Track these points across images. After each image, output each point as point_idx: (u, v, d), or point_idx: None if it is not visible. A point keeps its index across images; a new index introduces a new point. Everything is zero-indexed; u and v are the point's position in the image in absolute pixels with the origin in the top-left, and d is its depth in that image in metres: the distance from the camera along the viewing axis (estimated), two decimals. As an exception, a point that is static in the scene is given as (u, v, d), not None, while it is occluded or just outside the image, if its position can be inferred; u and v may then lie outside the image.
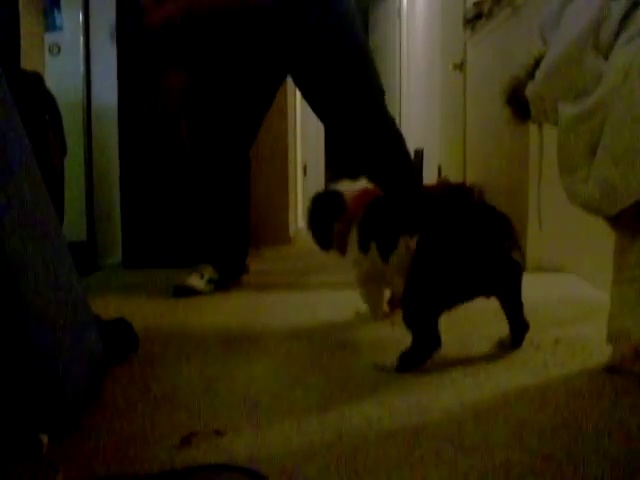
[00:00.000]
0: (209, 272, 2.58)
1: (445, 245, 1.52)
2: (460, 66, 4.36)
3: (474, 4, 3.89)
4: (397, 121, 7.59)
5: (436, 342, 1.52)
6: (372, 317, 1.97)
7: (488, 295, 1.59)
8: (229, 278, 2.63)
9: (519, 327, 1.66)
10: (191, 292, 2.49)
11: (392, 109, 8.19)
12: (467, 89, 4.23)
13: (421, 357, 1.53)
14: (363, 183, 1.98)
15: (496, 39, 3.52)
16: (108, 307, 2.06)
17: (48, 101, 1.98)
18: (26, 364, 1.12)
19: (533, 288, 2.33)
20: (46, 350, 1.16)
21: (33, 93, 1.82)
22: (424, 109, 6.32)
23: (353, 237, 1.87)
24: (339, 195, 1.92)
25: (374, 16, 8.47)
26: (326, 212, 1.94)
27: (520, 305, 1.64)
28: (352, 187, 1.95)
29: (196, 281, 2.53)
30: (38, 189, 1.29)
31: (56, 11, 3.54)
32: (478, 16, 3.77)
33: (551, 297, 2.28)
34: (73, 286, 1.34)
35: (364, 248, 1.81)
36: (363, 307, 1.98)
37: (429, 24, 6.17)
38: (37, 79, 1.85)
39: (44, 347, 1.16)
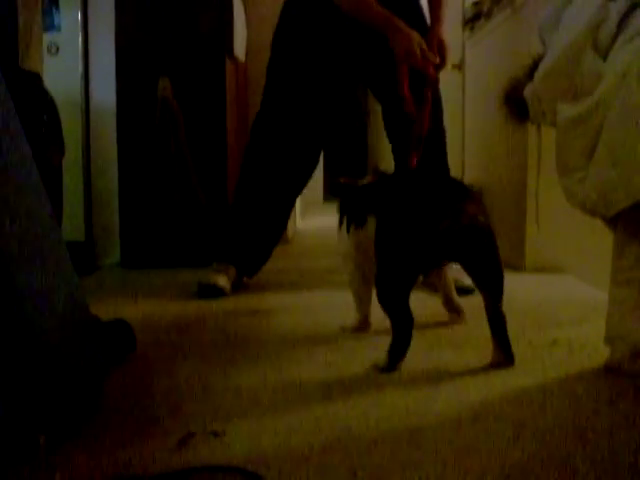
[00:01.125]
0: (233, 273, 2.57)
1: (397, 218, 1.56)
2: (459, 66, 4.36)
3: (473, 4, 3.89)
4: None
5: (410, 318, 1.55)
6: (357, 311, 1.94)
7: (453, 260, 1.60)
8: (242, 281, 2.63)
9: (498, 322, 1.59)
10: (218, 293, 2.46)
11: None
12: (466, 89, 4.23)
13: (404, 341, 1.54)
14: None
15: (495, 39, 3.52)
16: (107, 308, 2.06)
17: (46, 101, 1.98)
18: (24, 365, 1.12)
19: (531, 289, 2.35)
20: (44, 351, 1.16)
21: (32, 93, 1.82)
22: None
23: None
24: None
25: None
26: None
27: (498, 280, 1.57)
28: None
29: (224, 281, 2.50)
30: (36, 189, 1.29)
31: (55, 11, 3.54)
32: (477, 16, 3.77)
33: (549, 298, 2.28)
34: (71, 286, 1.34)
35: (340, 225, 1.92)
36: (348, 321, 1.96)
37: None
38: (36, 79, 1.85)
39: (42, 349, 1.16)
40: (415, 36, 2.33)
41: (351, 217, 1.83)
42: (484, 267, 1.57)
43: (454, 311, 2.01)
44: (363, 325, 1.93)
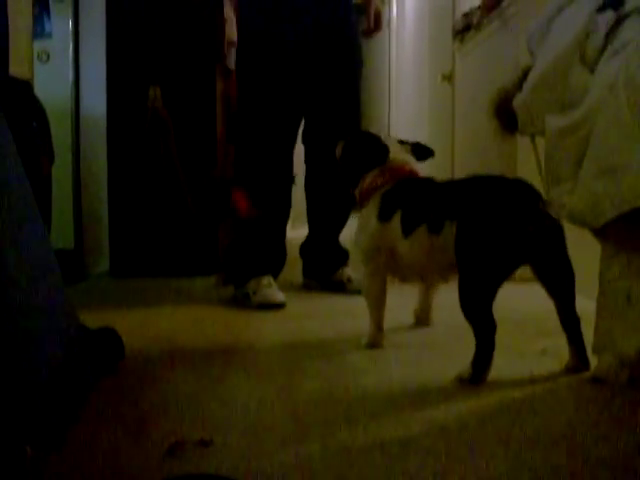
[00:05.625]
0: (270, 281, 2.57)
1: (485, 222, 1.51)
2: (449, 77, 4.38)
3: (463, 15, 3.91)
4: (385, 130, 7.57)
5: (494, 326, 1.51)
6: (370, 318, 1.89)
7: (531, 262, 1.56)
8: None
9: (573, 326, 1.58)
10: (280, 306, 2.45)
11: (381, 118, 8.22)
12: (456, 100, 4.25)
13: (489, 349, 1.51)
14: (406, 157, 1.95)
15: (485, 51, 3.54)
16: (95, 316, 2.05)
17: (36, 108, 1.98)
18: (8, 374, 1.11)
19: (520, 299, 2.36)
20: (29, 359, 1.15)
21: (22, 100, 1.82)
22: (413, 119, 6.34)
23: (374, 204, 1.85)
24: (386, 149, 1.91)
25: (364, 26, 8.50)
26: (369, 153, 1.92)
27: (572, 281, 1.57)
28: (398, 152, 1.93)
29: (280, 295, 2.49)
30: (26, 197, 1.28)
31: (46, 18, 3.53)
32: (467, 28, 3.80)
33: (538, 307, 2.28)
34: (59, 294, 1.33)
35: (384, 218, 1.79)
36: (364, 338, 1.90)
37: (418, 35, 6.20)
38: (26, 87, 1.85)
39: (27, 357, 1.15)
40: None
41: (419, 220, 1.69)
42: (559, 268, 1.56)
43: (424, 321, 2.06)
44: (378, 338, 1.88)
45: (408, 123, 6.67)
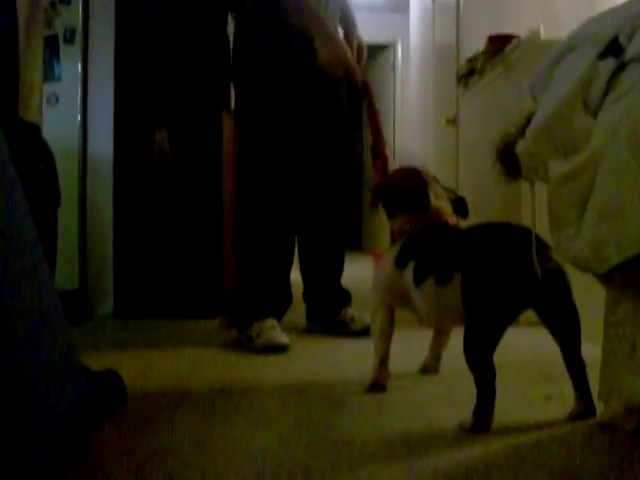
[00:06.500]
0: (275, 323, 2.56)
1: (486, 269, 1.52)
2: (453, 121, 4.42)
3: (467, 61, 3.96)
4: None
5: (494, 374, 1.50)
6: (375, 354, 1.89)
7: (537, 304, 1.55)
8: None
9: (579, 372, 1.58)
10: (284, 349, 2.43)
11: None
12: (460, 143, 4.28)
13: (490, 397, 1.50)
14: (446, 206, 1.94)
15: (488, 95, 3.58)
16: (98, 358, 2.05)
17: (44, 152, 2.00)
18: (8, 414, 1.11)
19: (525, 343, 2.34)
20: (28, 401, 1.15)
21: (29, 143, 1.84)
22: (418, 161, 6.39)
23: (395, 248, 1.86)
24: (426, 198, 1.89)
25: (370, 69, 8.61)
26: (411, 196, 1.91)
27: (577, 326, 1.57)
28: (437, 200, 1.91)
29: (284, 337, 2.47)
30: (30, 239, 1.29)
31: (55, 61, 3.58)
32: (471, 72, 3.84)
33: (543, 352, 2.27)
34: (62, 335, 1.33)
35: (401, 265, 1.80)
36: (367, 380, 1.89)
37: (423, 78, 6.27)
38: (34, 130, 1.87)
39: (26, 398, 1.14)
40: (344, 45, 2.48)
41: (428, 271, 1.70)
42: (564, 312, 1.56)
43: (432, 369, 2.04)
44: (381, 378, 1.87)
45: (413, 165, 6.71)
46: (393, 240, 1.93)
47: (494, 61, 3.39)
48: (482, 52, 3.58)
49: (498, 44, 3.31)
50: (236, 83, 2.70)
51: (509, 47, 3.19)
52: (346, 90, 2.74)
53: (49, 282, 1.33)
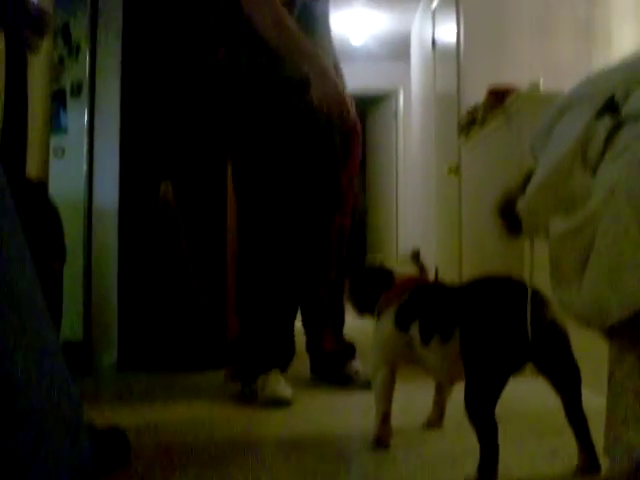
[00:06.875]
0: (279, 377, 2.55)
1: (484, 324, 1.55)
2: (455, 170, 4.46)
3: (468, 111, 4.02)
4: (394, 221, 7.64)
5: (496, 429, 1.50)
6: (377, 411, 1.89)
7: (534, 360, 1.56)
8: None
9: (581, 425, 1.58)
10: (287, 402, 2.41)
11: (390, 208, 8.31)
12: (462, 192, 4.31)
13: (494, 453, 1.49)
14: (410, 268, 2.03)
15: (489, 146, 3.62)
16: (102, 412, 2.04)
17: (50, 210, 2.03)
18: (9, 463, 1.10)
19: (529, 395, 2.33)
20: (29, 456, 1.14)
21: (36, 203, 1.87)
22: (421, 209, 6.42)
23: (390, 314, 1.89)
24: (389, 274, 1.98)
25: (372, 117, 8.72)
26: (375, 283, 1.99)
27: (577, 378, 1.60)
28: (401, 269, 2.01)
29: (288, 391, 2.46)
30: (36, 298, 1.30)
31: (62, 114, 3.64)
32: (472, 122, 3.89)
33: (548, 404, 2.25)
34: (65, 391, 1.33)
35: (403, 328, 1.83)
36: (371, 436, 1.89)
37: (425, 126, 6.33)
38: (41, 188, 1.90)
39: (27, 453, 1.14)
40: (338, 83, 2.44)
41: (431, 327, 1.74)
42: (564, 366, 1.57)
43: (436, 424, 2.03)
44: (384, 435, 1.86)
45: (416, 213, 6.74)
46: (379, 315, 1.96)
47: (495, 113, 3.44)
48: (483, 103, 3.64)
49: (498, 96, 3.37)
50: (232, 137, 2.68)
51: (509, 100, 3.24)
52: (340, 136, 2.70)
53: (57, 351, 1.33)
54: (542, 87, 3.20)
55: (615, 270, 1.38)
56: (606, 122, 1.51)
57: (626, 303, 1.37)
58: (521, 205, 1.58)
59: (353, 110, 2.52)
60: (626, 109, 1.49)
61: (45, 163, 2.71)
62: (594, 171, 1.50)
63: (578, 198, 1.49)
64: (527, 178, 1.62)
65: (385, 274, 1.99)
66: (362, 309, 2.05)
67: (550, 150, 1.58)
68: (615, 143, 1.49)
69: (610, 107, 1.53)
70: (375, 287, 1.99)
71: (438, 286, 1.93)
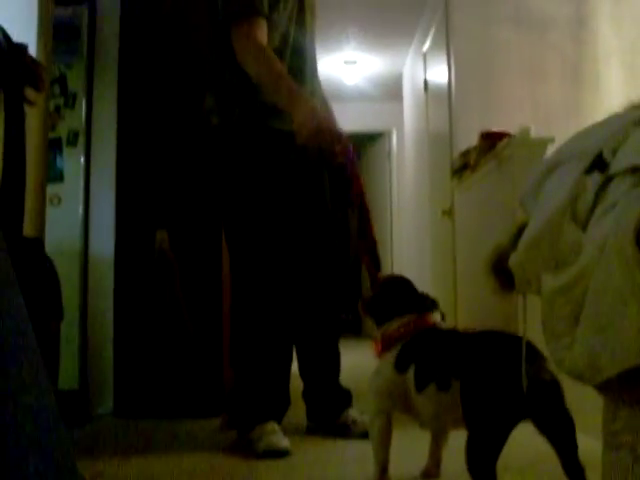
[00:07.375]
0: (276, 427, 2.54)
1: (484, 381, 1.57)
2: (449, 212, 4.49)
3: (460, 154, 4.06)
4: (389, 263, 7.63)
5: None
6: (375, 461, 1.89)
7: (532, 414, 1.57)
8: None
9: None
10: (286, 454, 2.40)
11: (384, 249, 8.33)
12: (456, 234, 4.34)
13: None
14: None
15: (482, 189, 3.66)
16: (95, 464, 2.03)
17: (46, 266, 2.05)
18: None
19: (528, 442, 2.32)
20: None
21: (32, 261, 1.88)
22: (415, 251, 6.43)
23: (392, 355, 1.88)
24: (424, 300, 1.96)
25: (366, 157, 8.79)
26: (401, 305, 1.95)
27: (573, 432, 1.61)
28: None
29: (285, 441, 2.44)
30: (32, 356, 1.30)
31: (59, 161, 3.67)
32: (464, 166, 3.93)
33: (547, 452, 2.25)
34: (58, 446, 1.32)
35: (401, 369, 1.83)
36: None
37: (418, 167, 6.37)
38: (37, 244, 1.92)
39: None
40: (322, 112, 2.44)
41: (429, 376, 1.74)
42: (558, 421, 1.59)
43: (433, 474, 2.02)
44: None
45: (410, 254, 6.75)
46: (382, 350, 1.94)
47: (487, 157, 3.48)
48: (475, 147, 3.68)
49: (490, 141, 3.41)
50: (222, 190, 2.70)
51: (501, 144, 3.28)
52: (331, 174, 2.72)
53: (54, 412, 1.33)
54: (532, 132, 3.25)
55: (605, 327, 1.39)
56: (595, 178, 1.53)
57: (617, 360, 1.38)
58: (512, 261, 1.60)
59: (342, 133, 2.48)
60: (614, 165, 1.52)
61: (41, 212, 2.72)
62: (584, 226, 1.52)
63: (569, 254, 1.51)
64: (519, 233, 1.64)
65: (420, 299, 1.96)
66: (378, 316, 2.00)
67: (540, 206, 1.60)
68: (604, 199, 1.51)
69: (599, 164, 1.55)
70: (405, 303, 1.95)
71: (440, 333, 1.90)
